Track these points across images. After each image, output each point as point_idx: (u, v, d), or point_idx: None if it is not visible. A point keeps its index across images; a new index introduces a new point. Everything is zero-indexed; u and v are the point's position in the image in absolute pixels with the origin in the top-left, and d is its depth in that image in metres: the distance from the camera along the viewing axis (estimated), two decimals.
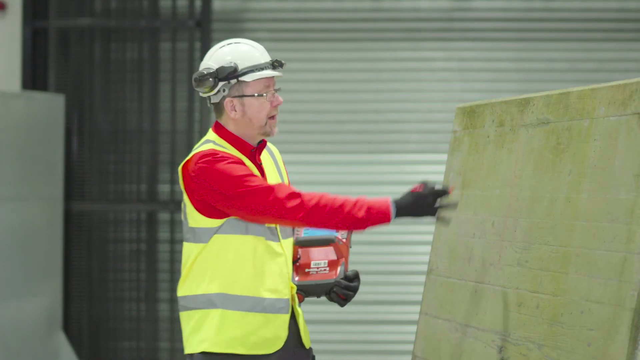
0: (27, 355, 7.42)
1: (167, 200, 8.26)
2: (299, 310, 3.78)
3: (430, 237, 4.40)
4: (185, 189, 3.70)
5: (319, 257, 3.76)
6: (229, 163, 3.63)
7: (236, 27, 8.36)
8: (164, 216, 8.28)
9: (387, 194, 9.08)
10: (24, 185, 7.45)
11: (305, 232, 3.79)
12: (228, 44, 3.76)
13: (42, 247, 7.62)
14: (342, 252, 3.75)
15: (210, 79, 3.69)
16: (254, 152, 3.78)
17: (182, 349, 8.55)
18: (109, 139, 8.25)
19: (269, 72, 3.73)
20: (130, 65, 8.27)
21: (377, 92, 8.30)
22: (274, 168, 3.87)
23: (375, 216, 3.59)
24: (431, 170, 8.12)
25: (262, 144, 3.82)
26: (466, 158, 4.16)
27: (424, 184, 3.61)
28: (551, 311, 3.45)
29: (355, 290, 3.72)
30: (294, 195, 3.60)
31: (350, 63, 8.30)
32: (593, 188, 3.38)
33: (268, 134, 3.77)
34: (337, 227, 3.61)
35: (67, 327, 8.16)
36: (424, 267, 4.44)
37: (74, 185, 8.24)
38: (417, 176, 8.23)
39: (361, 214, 3.58)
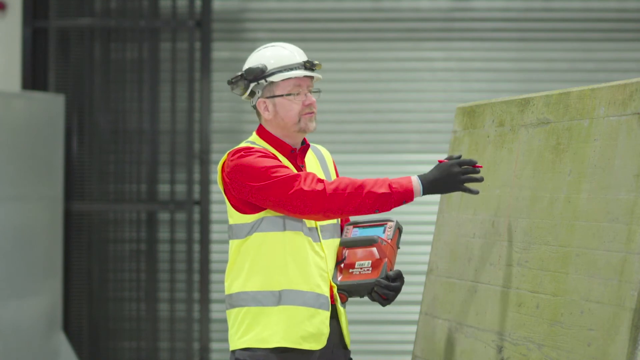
0: (27, 355, 7.42)
1: (167, 200, 8.25)
2: (341, 309, 3.79)
3: (430, 237, 4.40)
4: (222, 186, 3.75)
5: (364, 258, 3.74)
6: (258, 157, 3.66)
7: (236, 27, 8.35)
8: (164, 216, 8.28)
9: None
10: (24, 185, 7.44)
11: (354, 234, 3.80)
12: (264, 47, 3.84)
13: (42, 247, 7.61)
14: (385, 252, 3.73)
15: (240, 81, 3.77)
16: (294, 153, 3.80)
17: (181, 349, 8.55)
18: (109, 139, 8.25)
19: (297, 72, 3.76)
20: (130, 65, 8.27)
21: (377, 92, 8.30)
22: (319, 171, 3.87)
23: (397, 192, 3.53)
24: None
25: (304, 146, 3.84)
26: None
27: (449, 157, 3.59)
28: (551, 311, 3.45)
29: (396, 290, 3.67)
30: (319, 181, 3.60)
31: (350, 63, 8.30)
32: (593, 188, 3.38)
33: (304, 130, 3.77)
34: (360, 210, 3.56)
35: (67, 327, 8.15)
36: (424, 267, 4.44)
37: (74, 185, 8.23)
38: None
39: (382, 190, 3.53)
